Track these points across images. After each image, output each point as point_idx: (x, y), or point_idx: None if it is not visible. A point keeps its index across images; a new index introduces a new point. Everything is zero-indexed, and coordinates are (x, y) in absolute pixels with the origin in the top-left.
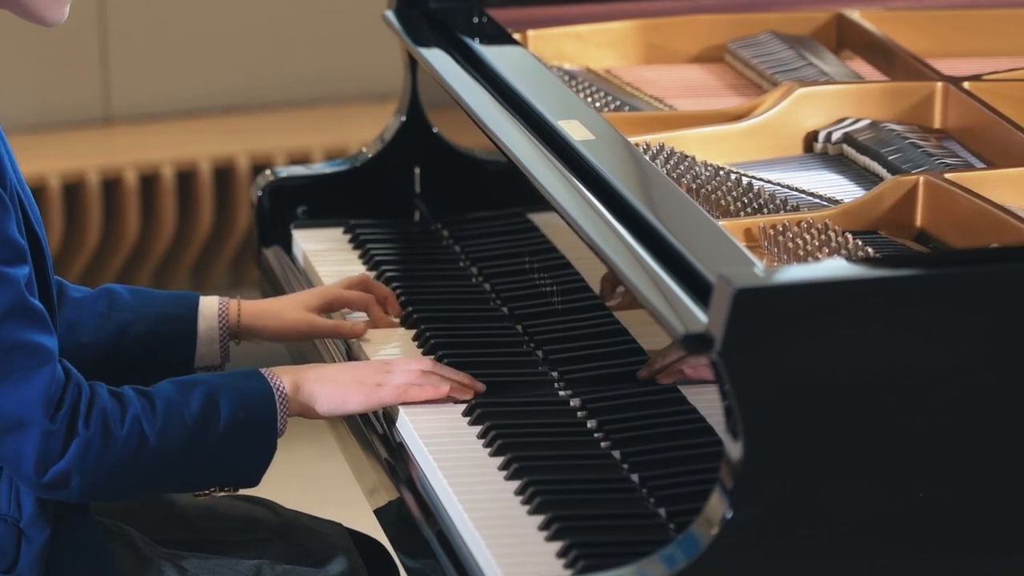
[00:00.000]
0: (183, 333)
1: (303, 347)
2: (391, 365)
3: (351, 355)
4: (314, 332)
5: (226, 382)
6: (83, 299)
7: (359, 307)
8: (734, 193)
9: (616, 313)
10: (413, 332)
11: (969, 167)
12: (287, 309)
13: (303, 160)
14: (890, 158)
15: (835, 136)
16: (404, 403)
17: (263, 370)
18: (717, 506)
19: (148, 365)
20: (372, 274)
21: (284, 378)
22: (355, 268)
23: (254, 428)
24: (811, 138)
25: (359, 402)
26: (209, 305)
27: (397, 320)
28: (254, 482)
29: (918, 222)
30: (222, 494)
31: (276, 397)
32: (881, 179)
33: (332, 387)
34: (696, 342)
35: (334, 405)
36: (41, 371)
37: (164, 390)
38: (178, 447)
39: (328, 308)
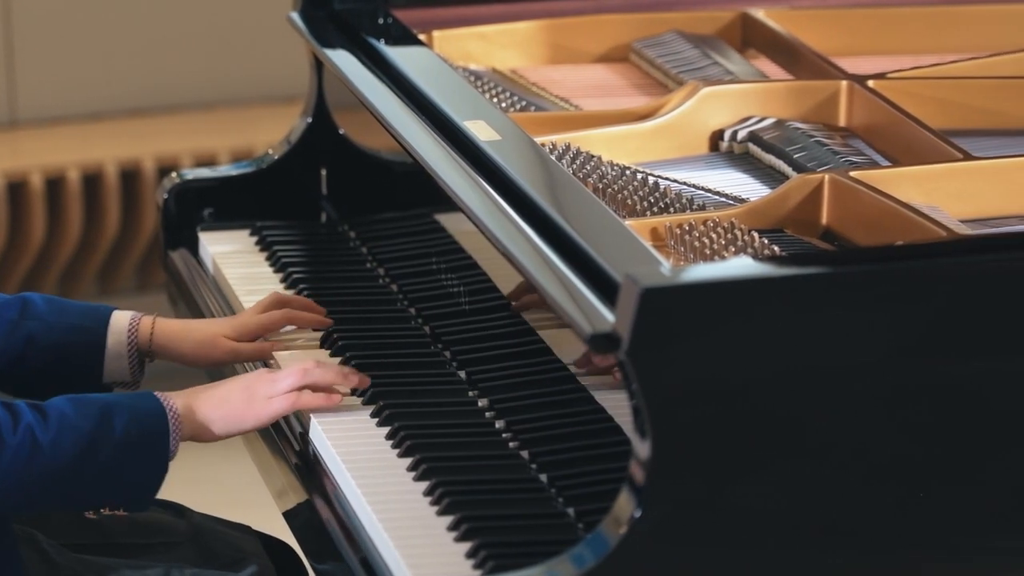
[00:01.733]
0: (91, 346)
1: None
2: (275, 373)
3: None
4: (226, 357)
5: (120, 400)
6: None
7: (280, 326)
8: (640, 192)
9: (526, 317)
10: (321, 334)
11: (874, 165)
12: (202, 331)
13: (209, 162)
14: (795, 156)
15: (740, 135)
16: (298, 409)
17: (158, 393)
18: (625, 505)
19: (56, 376)
20: (282, 286)
21: (177, 401)
22: (262, 270)
23: (146, 446)
24: (717, 137)
25: (254, 419)
26: (120, 321)
27: (331, 320)
28: (144, 505)
29: (824, 220)
30: (111, 514)
31: (169, 416)
32: (787, 177)
33: (226, 408)
34: (603, 342)
35: (230, 425)
36: None
37: (58, 404)
38: (71, 459)
39: (246, 338)
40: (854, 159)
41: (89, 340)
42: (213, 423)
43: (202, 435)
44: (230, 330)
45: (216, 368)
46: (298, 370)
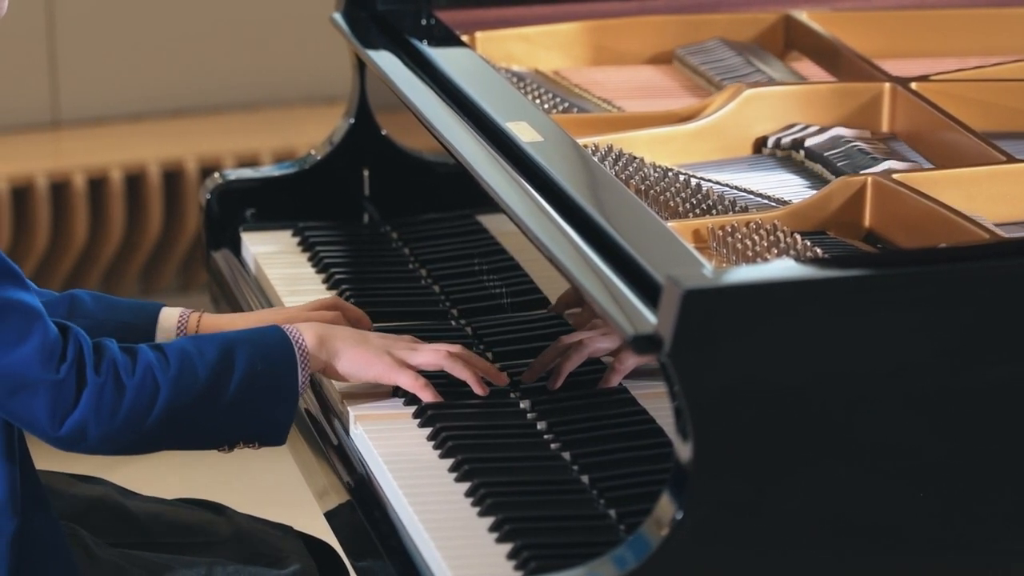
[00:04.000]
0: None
1: None
2: (418, 344)
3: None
4: None
5: (244, 335)
6: (45, 303)
7: None
8: (683, 194)
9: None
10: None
11: (917, 168)
12: (248, 325)
13: (251, 163)
14: (839, 164)
15: (784, 142)
16: (415, 391)
17: (286, 326)
18: (667, 507)
19: None
20: (324, 287)
21: (307, 333)
22: (305, 271)
23: (273, 379)
24: (760, 143)
25: (378, 373)
26: (168, 317)
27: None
28: (279, 438)
29: (866, 223)
30: (247, 448)
31: (296, 349)
32: (829, 181)
33: (359, 349)
34: (645, 343)
35: (356, 367)
36: (34, 327)
37: (179, 343)
38: (194, 396)
39: None
40: (896, 165)
41: (138, 337)
42: (341, 359)
43: (328, 370)
44: (277, 319)
45: None
46: (441, 353)
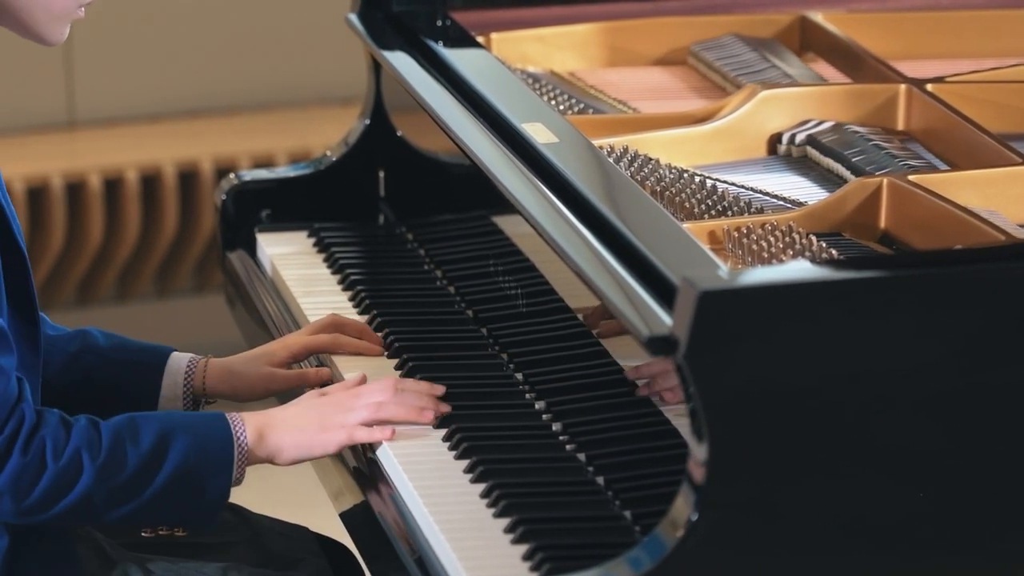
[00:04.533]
0: (147, 387)
1: None
2: (353, 400)
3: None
4: (281, 387)
5: (187, 422)
6: (56, 338)
7: (330, 351)
8: (698, 196)
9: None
10: (378, 336)
11: (933, 169)
12: (252, 367)
13: (267, 163)
14: (854, 160)
15: (799, 138)
16: (363, 441)
17: (231, 416)
18: (682, 508)
19: (113, 412)
20: (339, 287)
21: (248, 426)
22: (320, 272)
23: (205, 475)
24: (775, 140)
25: (322, 449)
26: (177, 363)
27: (381, 349)
28: (202, 527)
29: (882, 224)
30: (167, 533)
31: (235, 446)
32: (845, 181)
33: (296, 436)
34: (661, 344)
35: (300, 453)
36: None
37: (117, 424)
38: (117, 486)
39: (296, 360)
40: (912, 163)
41: (145, 381)
42: (284, 451)
43: (273, 461)
44: (280, 353)
45: (272, 395)
46: (373, 404)
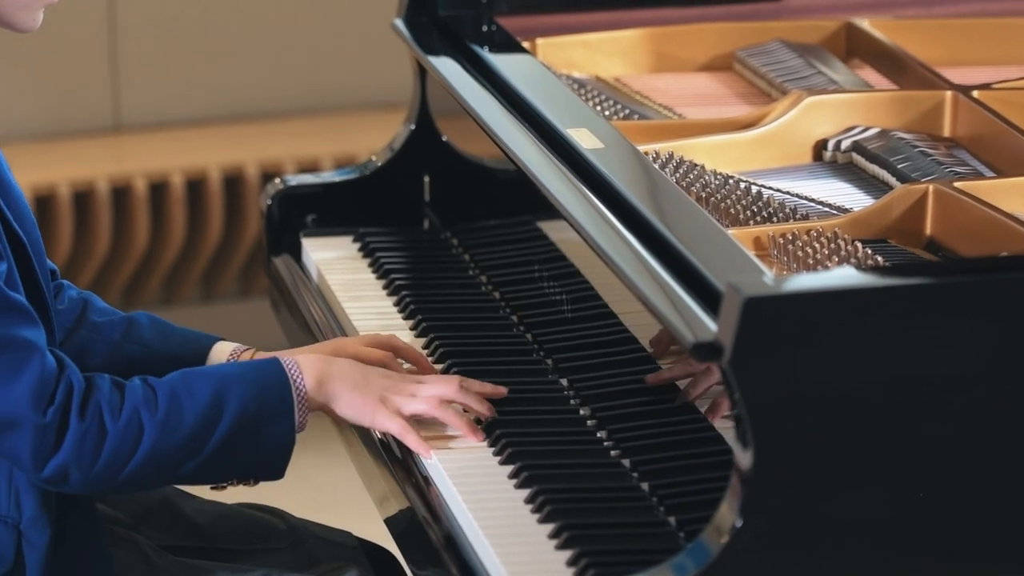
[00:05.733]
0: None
1: None
2: (415, 387)
3: None
4: None
5: (241, 371)
6: (102, 324)
7: (375, 364)
8: (743, 202)
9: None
10: (423, 341)
11: (979, 176)
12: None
13: (312, 168)
14: (899, 167)
15: (844, 145)
16: (402, 440)
17: (285, 360)
18: (727, 514)
19: None
20: (384, 292)
21: (306, 372)
22: (365, 277)
23: (267, 420)
24: (820, 147)
25: (371, 421)
26: (220, 353)
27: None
28: (275, 476)
29: (928, 231)
30: (241, 486)
31: (293, 390)
32: (890, 188)
33: (356, 395)
34: (706, 350)
35: (352, 412)
36: (28, 366)
37: (172, 380)
38: (180, 440)
39: None
40: (958, 169)
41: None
42: (341, 401)
43: (326, 410)
44: (331, 351)
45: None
46: (434, 402)
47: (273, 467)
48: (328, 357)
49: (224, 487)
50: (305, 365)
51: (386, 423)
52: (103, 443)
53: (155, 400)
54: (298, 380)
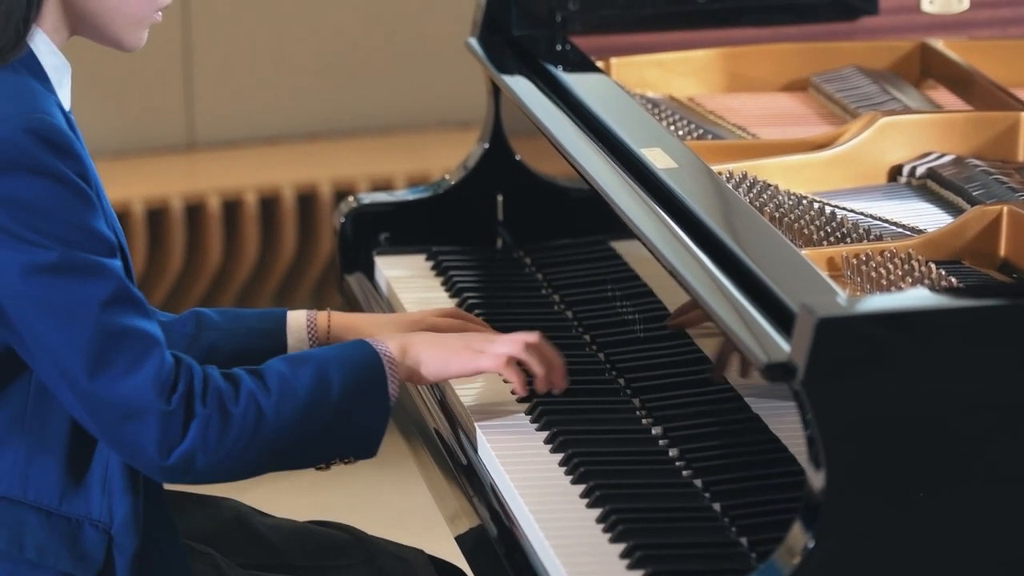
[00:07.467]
0: (273, 348)
1: None
2: (494, 334)
3: None
4: None
5: (334, 353)
6: (170, 323)
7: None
8: (817, 222)
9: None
10: None
11: None
12: (377, 326)
13: (385, 186)
14: (974, 193)
15: (919, 171)
16: (501, 372)
17: (369, 339)
18: (799, 536)
19: None
20: (454, 301)
21: (390, 343)
22: (438, 295)
23: (366, 394)
24: (895, 171)
25: (460, 365)
26: (297, 319)
27: None
28: (372, 451)
29: (1002, 252)
30: (343, 464)
31: (384, 361)
32: (964, 211)
33: (437, 350)
34: (779, 371)
35: (439, 367)
36: (151, 356)
37: (274, 367)
38: (295, 419)
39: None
40: None
41: (271, 343)
42: (424, 363)
43: (414, 376)
44: (404, 322)
45: None
46: (519, 342)
47: (371, 442)
48: (408, 332)
49: (328, 467)
50: (387, 338)
51: (477, 361)
52: (227, 428)
53: (265, 385)
54: (387, 352)
